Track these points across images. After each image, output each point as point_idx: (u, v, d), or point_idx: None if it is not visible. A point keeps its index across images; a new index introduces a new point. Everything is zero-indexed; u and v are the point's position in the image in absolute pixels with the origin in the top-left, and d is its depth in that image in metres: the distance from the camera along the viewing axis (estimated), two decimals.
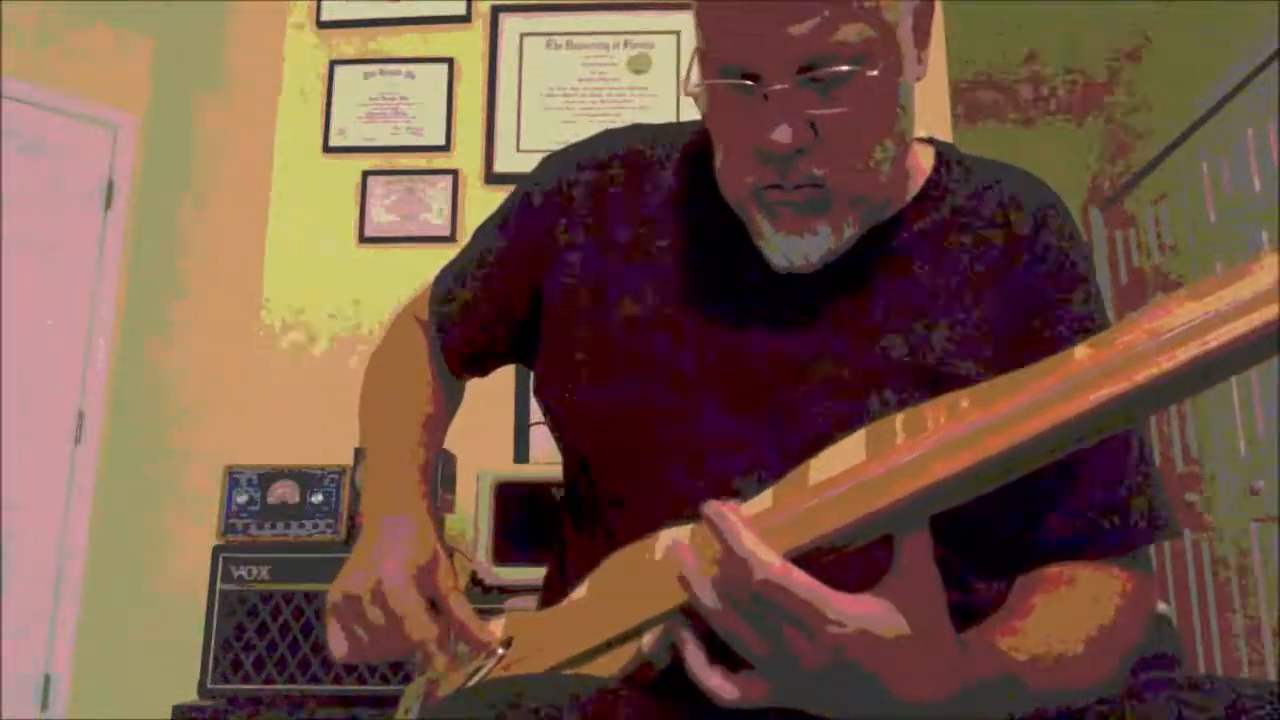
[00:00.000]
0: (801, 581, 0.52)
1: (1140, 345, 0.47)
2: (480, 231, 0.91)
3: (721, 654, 0.57)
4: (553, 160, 0.88)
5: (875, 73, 0.66)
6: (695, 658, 0.57)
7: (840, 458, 0.56)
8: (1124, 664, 0.66)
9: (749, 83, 0.67)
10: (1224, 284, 0.45)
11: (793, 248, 0.72)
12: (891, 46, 0.67)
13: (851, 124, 0.67)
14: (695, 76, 0.71)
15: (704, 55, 0.69)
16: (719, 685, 0.56)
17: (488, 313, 0.88)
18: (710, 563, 0.56)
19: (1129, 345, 0.47)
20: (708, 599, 0.55)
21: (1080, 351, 0.49)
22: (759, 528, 0.55)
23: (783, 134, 0.66)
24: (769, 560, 0.52)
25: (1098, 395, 0.47)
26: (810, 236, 0.71)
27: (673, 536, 0.66)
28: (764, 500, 0.60)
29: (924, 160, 0.81)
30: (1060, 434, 0.49)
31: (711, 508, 0.55)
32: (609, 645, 0.65)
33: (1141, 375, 0.46)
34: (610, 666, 0.64)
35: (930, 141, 0.84)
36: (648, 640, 0.63)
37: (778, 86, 0.65)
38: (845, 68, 0.65)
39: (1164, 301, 0.47)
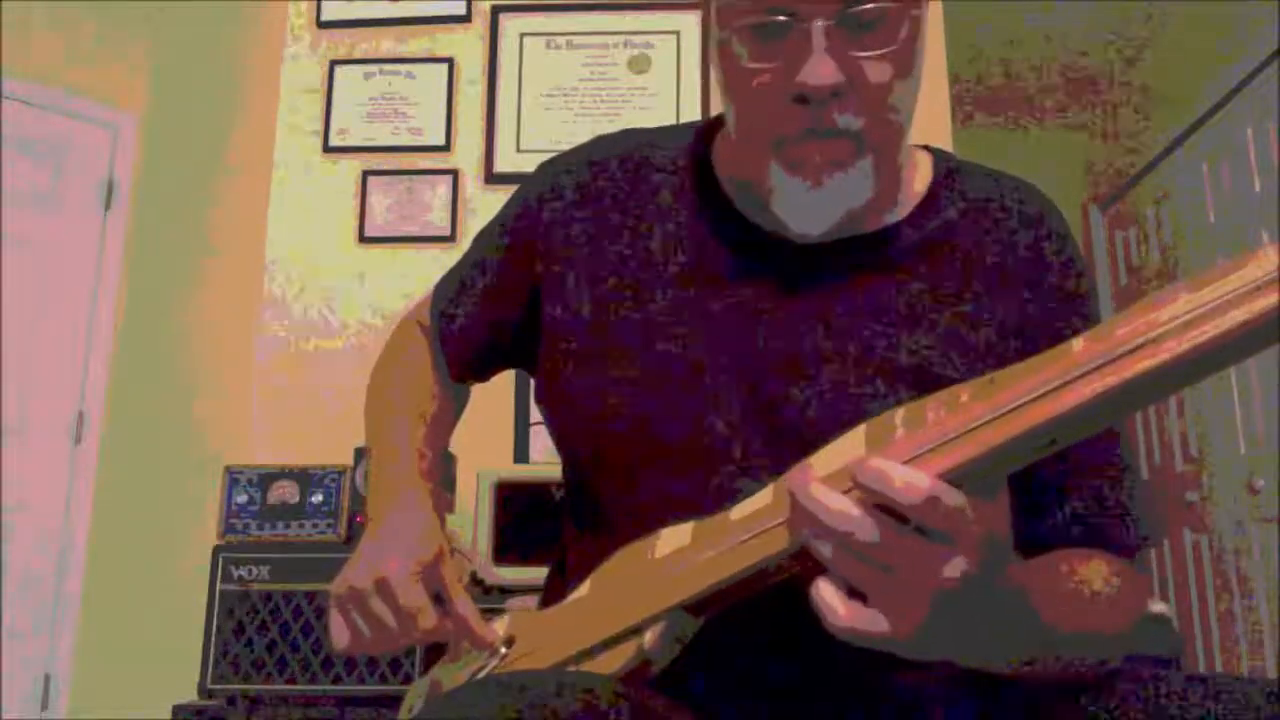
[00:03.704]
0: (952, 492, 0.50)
1: (1138, 337, 0.47)
2: (479, 238, 0.92)
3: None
4: (549, 166, 0.88)
5: (917, 12, 0.67)
6: (828, 590, 0.53)
7: (840, 454, 0.56)
8: (1131, 636, 0.66)
9: (785, 19, 0.66)
10: (1221, 275, 0.46)
11: (810, 205, 0.71)
12: (922, 4, 0.68)
13: (885, 72, 0.68)
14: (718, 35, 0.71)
15: (732, 6, 0.69)
16: (851, 617, 0.52)
17: (488, 319, 0.88)
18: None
19: (1127, 337, 0.47)
20: (867, 532, 0.51)
21: (1078, 344, 0.49)
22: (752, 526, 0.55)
23: (825, 69, 0.65)
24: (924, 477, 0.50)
25: (1096, 386, 0.47)
26: (828, 191, 0.70)
27: (674, 535, 0.66)
28: (764, 497, 0.61)
29: (922, 166, 0.81)
30: (1059, 425, 0.49)
31: (870, 463, 0.52)
32: (610, 643, 0.65)
33: (1139, 366, 0.46)
34: (611, 664, 0.64)
35: (925, 149, 0.84)
36: (649, 638, 0.63)
37: (820, 23, 0.65)
38: (889, 3, 0.65)
39: (1161, 294, 0.47)
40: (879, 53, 0.67)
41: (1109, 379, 0.47)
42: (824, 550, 0.52)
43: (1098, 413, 0.48)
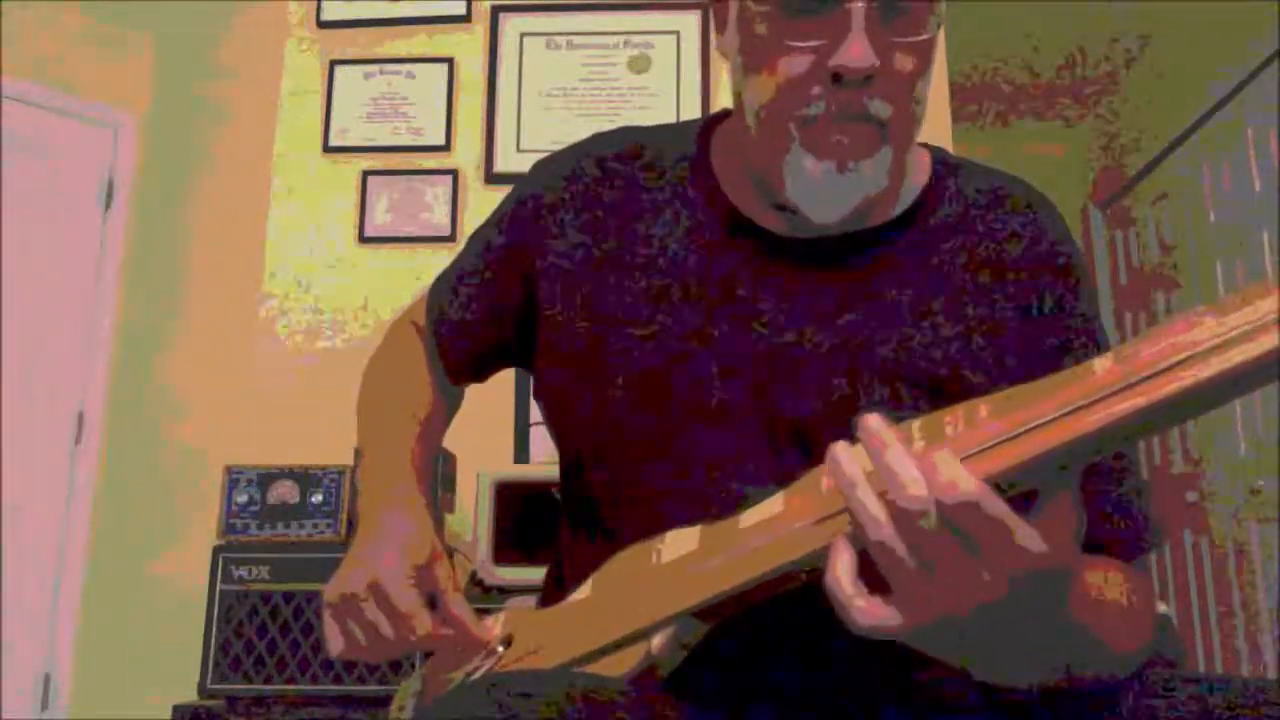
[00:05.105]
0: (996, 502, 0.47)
1: (1164, 360, 0.46)
2: (474, 238, 0.92)
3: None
4: (544, 165, 0.88)
5: (941, 8, 0.68)
6: (846, 572, 0.51)
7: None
8: (1142, 652, 0.65)
9: None
10: (1247, 300, 0.46)
11: (829, 190, 0.70)
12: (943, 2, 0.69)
13: (911, 62, 0.68)
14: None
15: None
16: (865, 609, 0.50)
17: (483, 319, 0.88)
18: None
19: (1152, 360, 0.47)
20: (919, 504, 0.48)
21: (1101, 364, 0.49)
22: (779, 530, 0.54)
23: (864, 50, 0.65)
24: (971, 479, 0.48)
25: (1121, 409, 0.47)
26: (850, 177, 0.69)
27: (679, 539, 0.65)
28: (775, 504, 0.60)
29: (921, 164, 0.81)
30: (1081, 446, 0.48)
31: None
32: (615, 646, 0.65)
33: (1165, 390, 0.46)
34: (617, 667, 0.64)
35: (924, 147, 0.84)
36: (657, 642, 0.63)
37: (860, 3, 0.65)
38: None
39: (1184, 317, 0.47)
40: (909, 40, 0.67)
41: (1135, 401, 0.47)
42: (873, 527, 0.48)
43: (1122, 434, 0.48)
